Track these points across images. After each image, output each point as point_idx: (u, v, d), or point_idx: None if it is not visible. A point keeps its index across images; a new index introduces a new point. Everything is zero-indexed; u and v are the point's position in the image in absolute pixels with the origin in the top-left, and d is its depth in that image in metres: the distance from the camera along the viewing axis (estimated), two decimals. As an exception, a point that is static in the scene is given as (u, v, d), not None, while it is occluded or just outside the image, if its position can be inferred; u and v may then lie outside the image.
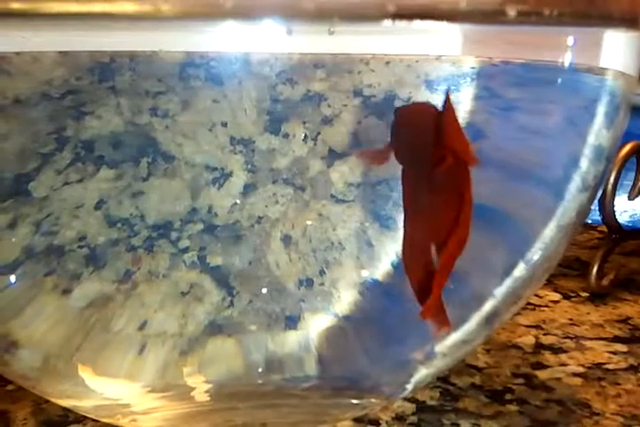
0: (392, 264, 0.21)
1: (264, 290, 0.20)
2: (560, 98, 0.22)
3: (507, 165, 0.21)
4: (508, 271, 0.23)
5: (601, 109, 0.22)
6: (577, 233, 0.26)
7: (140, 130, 0.19)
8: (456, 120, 0.18)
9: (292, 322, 0.21)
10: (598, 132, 0.22)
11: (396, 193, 0.20)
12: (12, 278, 0.20)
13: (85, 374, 0.22)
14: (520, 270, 0.23)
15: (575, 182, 0.22)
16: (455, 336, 0.23)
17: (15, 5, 0.16)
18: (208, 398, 0.22)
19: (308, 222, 0.20)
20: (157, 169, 0.19)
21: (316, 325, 0.21)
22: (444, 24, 0.19)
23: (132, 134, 0.19)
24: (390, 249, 0.21)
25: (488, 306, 0.23)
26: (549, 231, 0.23)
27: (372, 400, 0.25)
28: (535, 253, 0.23)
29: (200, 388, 0.22)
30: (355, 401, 0.24)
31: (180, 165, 0.19)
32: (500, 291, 0.23)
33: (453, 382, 0.30)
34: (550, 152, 0.22)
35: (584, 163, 0.22)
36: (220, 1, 0.16)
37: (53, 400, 0.24)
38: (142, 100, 0.19)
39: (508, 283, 0.23)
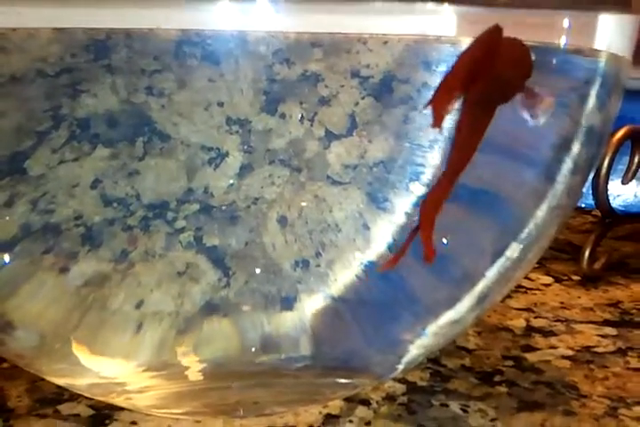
0: (388, 246, 0.21)
1: (260, 271, 0.20)
2: (553, 79, 0.22)
3: (498, 145, 0.21)
4: (499, 252, 0.23)
5: (593, 92, 0.22)
6: (569, 215, 0.27)
7: (136, 109, 0.19)
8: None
9: (287, 303, 0.21)
10: (590, 115, 0.22)
11: (392, 175, 0.20)
12: (9, 257, 0.20)
13: (81, 352, 0.22)
14: (511, 251, 0.23)
15: (567, 164, 0.22)
16: (446, 316, 0.23)
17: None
18: (202, 378, 0.23)
19: (304, 204, 0.20)
20: (153, 148, 0.19)
21: (312, 306, 0.21)
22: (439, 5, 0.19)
23: (127, 113, 0.19)
24: (386, 231, 0.21)
25: (479, 286, 0.23)
26: (540, 213, 0.23)
27: (363, 380, 0.25)
28: (526, 235, 0.23)
29: (194, 367, 0.22)
30: (346, 381, 0.25)
31: (176, 144, 0.19)
32: (492, 272, 0.23)
33: (444, 364, 0.30)
34: (542, 133, 0.22)
35: (576, 145, 0.22)
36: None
37: (48, 379, 0.24)
38: (138, 79, 0.19)
39: (499, 264, 0.23)
